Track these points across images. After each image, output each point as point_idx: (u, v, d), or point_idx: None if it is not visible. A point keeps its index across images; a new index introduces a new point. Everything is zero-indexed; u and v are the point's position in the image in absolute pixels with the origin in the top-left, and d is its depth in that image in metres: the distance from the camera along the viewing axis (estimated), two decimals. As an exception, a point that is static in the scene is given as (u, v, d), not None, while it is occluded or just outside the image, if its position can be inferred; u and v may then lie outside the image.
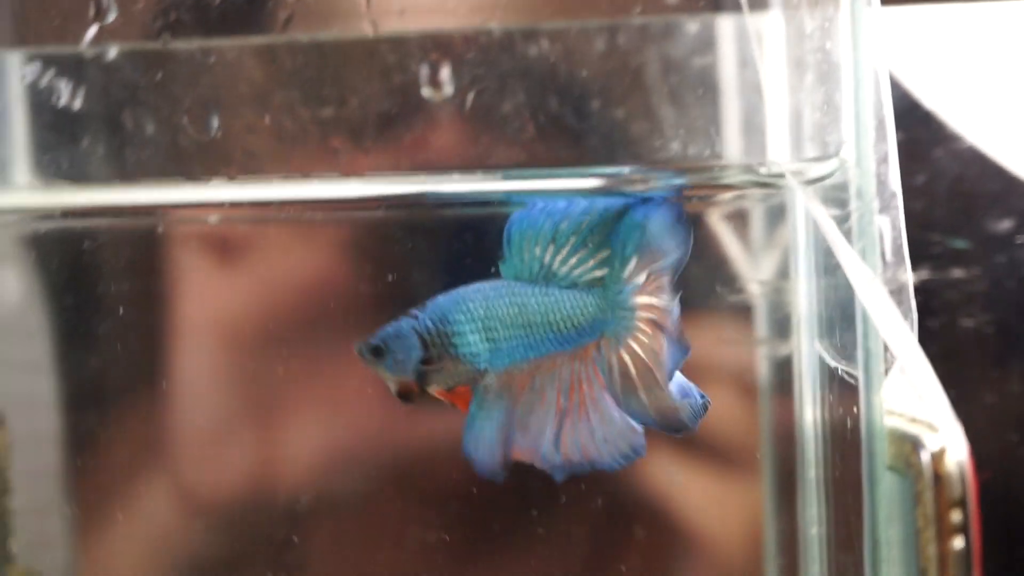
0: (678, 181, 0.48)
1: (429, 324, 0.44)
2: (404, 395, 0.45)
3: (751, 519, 0.58)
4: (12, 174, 0.55)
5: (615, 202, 0.44)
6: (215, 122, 0.50)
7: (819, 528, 0.50)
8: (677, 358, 0.44)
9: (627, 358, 0.44)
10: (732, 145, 0.54)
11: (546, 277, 0.44)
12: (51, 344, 0.60)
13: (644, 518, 0.58)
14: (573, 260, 0.44)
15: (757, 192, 0.55)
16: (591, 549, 0.59)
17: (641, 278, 0.44)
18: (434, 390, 0.45)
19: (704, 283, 0.56)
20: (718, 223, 0.58)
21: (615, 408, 0.44)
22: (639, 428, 0.44)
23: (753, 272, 0.56)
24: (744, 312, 0.57)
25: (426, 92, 0.52)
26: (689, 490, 0.58)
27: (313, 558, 0.60)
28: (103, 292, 0.58)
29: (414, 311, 0.44)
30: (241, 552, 0.60)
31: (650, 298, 0.44)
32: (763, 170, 0.46)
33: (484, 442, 0.44)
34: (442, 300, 0.44)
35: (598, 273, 0.44)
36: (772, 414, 0.57)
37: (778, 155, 0.51)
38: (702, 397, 0.44)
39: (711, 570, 0.59)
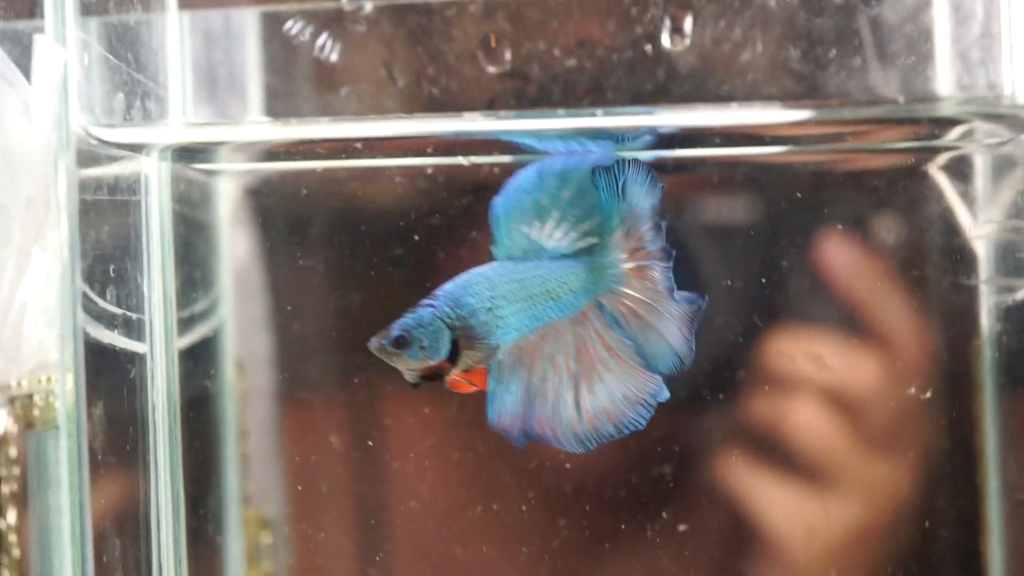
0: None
1: (447, 310, 0.47)
2: (424, 379, 0.47)
3: (835, 528, 0.59)
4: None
5: (581, 167, 0.47)
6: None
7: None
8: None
9: (629, 303, 0.48)
10: (961, 86, 0.54)
11: (535, 252, 0.48)
12: (279, 300, 0.63)
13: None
14: (559, 233, 0.48)
15: (985, 137, 0.55)
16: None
17: (621, 236, 0.47)
18: (454, 372, 0.47)
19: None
20: (936, 173, 0.58)
21: (624, 362, 0.47)
22: (653, 374, 0.47)
23: (983, 217, 0.56)
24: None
25: (666, 41, 0.53)
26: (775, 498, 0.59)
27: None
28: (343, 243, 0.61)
29: (427, 301, 0.47)
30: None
31: (634, 245, 0.47)
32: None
33: (508, 413, 0.47)
34: (450, 287, 0.47)
35: (582, 243, 0.48)
36: (997, 367, 0.57)
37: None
38: (701, 297, 0.47)
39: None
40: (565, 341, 0.47)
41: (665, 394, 0.47)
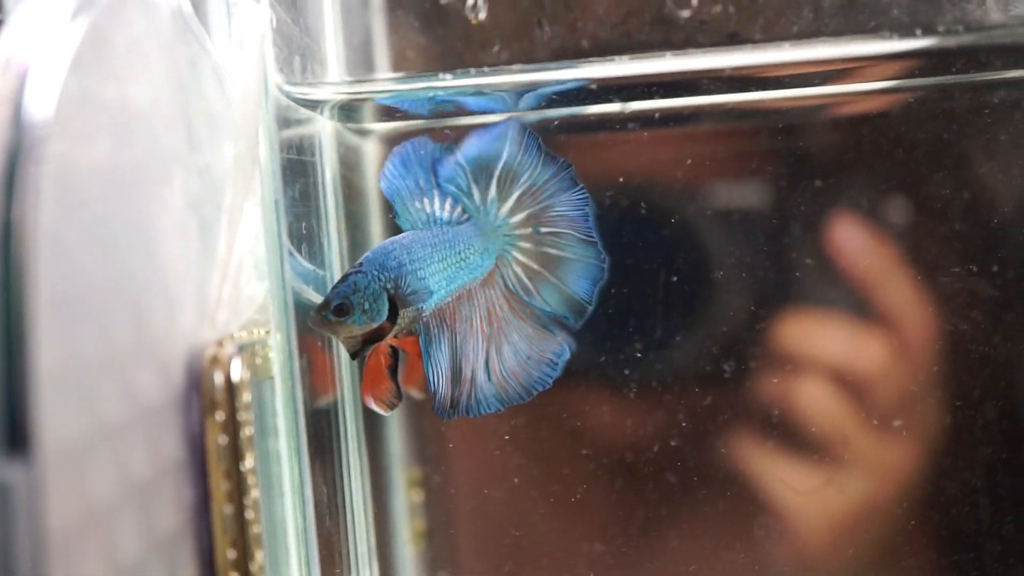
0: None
1: (377, 274, 0.49)
2: (365, 344, 0.49)
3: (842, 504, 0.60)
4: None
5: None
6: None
7: None
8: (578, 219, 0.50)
9: (518, 269, 0.50)
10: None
11: (435, 223, 0.50)
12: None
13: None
14: (448, 204, 0.50)
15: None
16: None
17: (508, 197, 0.50)
18: (389, 338, 0.50)
19: None
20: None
21: (527, 323, 0.50)
22: (554, 333, 0.50)
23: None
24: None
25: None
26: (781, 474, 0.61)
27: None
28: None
29: (354, 269, 0.49)
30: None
31: (522, 213, 0.50)
32: None
33: (442, 375, 0.49)
34: (371, 256, 0.49)
35: (469, 206, 0.50)
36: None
37: None
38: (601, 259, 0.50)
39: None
40: (478, 303, 0.50)
41: (567, 353, 0.50)
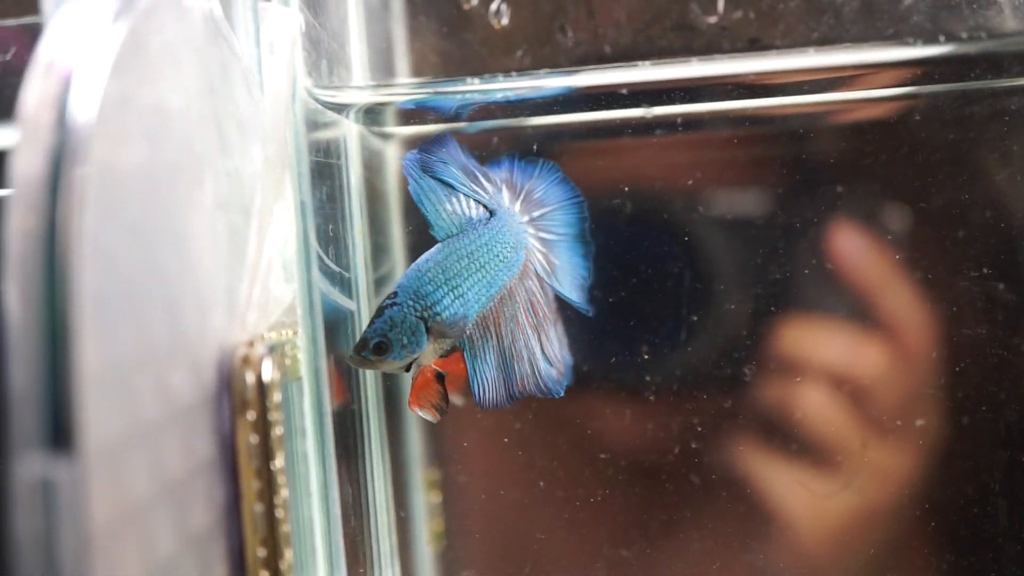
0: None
1: (412, 304, 0.48)
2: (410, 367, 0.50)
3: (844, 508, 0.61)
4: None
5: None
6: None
7: None
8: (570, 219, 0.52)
9: (540, 252, 0.51)
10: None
11: (466, 223, 0.49)
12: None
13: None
14: (472, 203, 0.50)
15: None
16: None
17: (517, 200, 0.52)
18: (432, 360, 0.49)
19: None
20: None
21: (553, 304, 0.52)
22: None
23: None
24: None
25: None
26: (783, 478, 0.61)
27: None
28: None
29: (389, 301, 0.49)
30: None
31: (529, 213, 0.52)
32: None
33: (489, 385, 0.49)
34: (405, 282, 0.49)
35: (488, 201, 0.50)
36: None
37: None
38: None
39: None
40: (520, 298, 0.50)
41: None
